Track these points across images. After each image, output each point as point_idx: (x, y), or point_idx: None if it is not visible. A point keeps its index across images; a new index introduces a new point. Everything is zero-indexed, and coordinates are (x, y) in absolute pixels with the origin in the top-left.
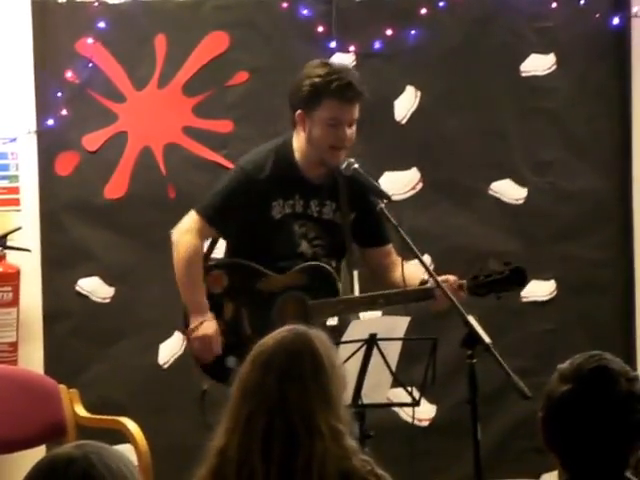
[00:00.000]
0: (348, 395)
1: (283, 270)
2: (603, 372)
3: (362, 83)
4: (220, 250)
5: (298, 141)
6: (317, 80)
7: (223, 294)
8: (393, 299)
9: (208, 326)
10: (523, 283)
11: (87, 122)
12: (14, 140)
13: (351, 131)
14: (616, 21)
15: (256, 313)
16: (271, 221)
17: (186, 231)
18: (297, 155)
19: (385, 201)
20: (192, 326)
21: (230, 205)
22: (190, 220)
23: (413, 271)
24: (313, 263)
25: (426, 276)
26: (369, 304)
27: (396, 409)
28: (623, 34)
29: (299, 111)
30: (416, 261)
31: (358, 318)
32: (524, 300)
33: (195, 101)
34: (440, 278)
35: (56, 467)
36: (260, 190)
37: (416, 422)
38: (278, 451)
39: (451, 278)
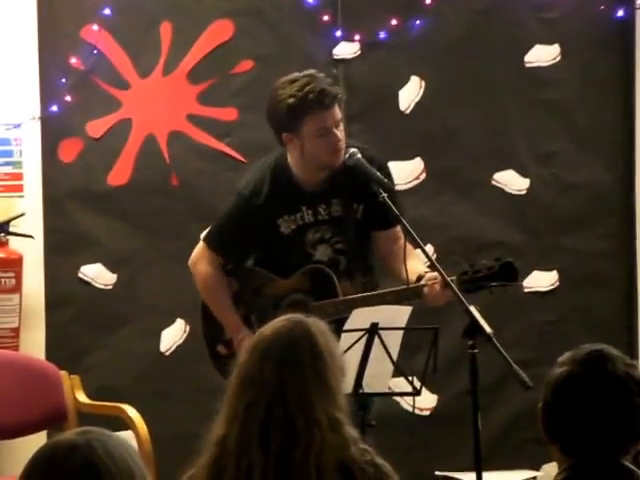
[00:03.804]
0: (348, 383)
1: None
2: (600, 353)
3: (332, 84)
4: None
5: (292, 158)
6: (291, 101)
7: (233, 299)
8: (386, 299)
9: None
10: (514, 278)
11: (91, 109)
12: (18, 126)
13: (340, 131)
14: (620, 13)
15: (264, 317)
16: (281, 237)
17: (197, 261)
18: (295, 169)
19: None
20: (235, 344)
21: (233, 233)
22: (199, 250)
23: (412, 267)
24: (313, 266)
25: (422, 271)
26: (366, 303)
27: (397, 398)
28: (627, 26)
29: (284, 134)
30: (419, 251)
31: None
32: (526, 291)
33: (199, 89)
34: (430, 275)
35: (58, 454)
36: (262, 211)
37: (417, 411)
38: (276, 441)
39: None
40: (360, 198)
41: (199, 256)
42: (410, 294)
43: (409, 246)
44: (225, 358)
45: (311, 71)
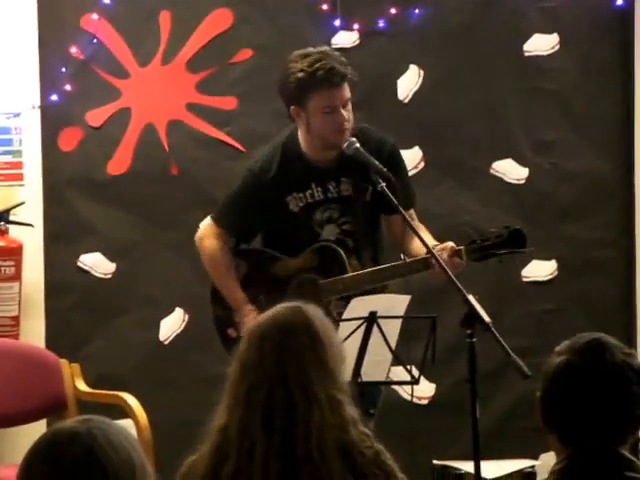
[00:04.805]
0: (348, 372)
1: None
2: (598, 342)
3: (344, 63)
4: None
5: (301, 133)
6: (301, 75)
7: (242, 282)
8: (398, 272)
9: (249, 321)
10: (522, 245)
11: (91, 98)
12: (18, 115)
13: (347, 111)
14: (620, 1)
15: (273, 298)
16: (290, 215)
17: (204, 237)
18: (304, 146)
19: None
20: (239, 320)
21: (242, 209)
22: (206, 227)
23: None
24: (322, 243)
25: (432, 245)
26: (375, 278)
27: (396, 387)
28: (627, 14)
29: (292, 107)
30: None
31: None
32: (524, 280)
33: (199, 78)
34: (440, 246)
35: (59, 441)
36: (271, 189)
37: (415, 400)
38: (279, 422)
39: (449, 244)
40: (368, 180)
41: (206, 232)
42: (419, 266)
43: (419, 223)
44: (235, 340)
45: (325, 48)
